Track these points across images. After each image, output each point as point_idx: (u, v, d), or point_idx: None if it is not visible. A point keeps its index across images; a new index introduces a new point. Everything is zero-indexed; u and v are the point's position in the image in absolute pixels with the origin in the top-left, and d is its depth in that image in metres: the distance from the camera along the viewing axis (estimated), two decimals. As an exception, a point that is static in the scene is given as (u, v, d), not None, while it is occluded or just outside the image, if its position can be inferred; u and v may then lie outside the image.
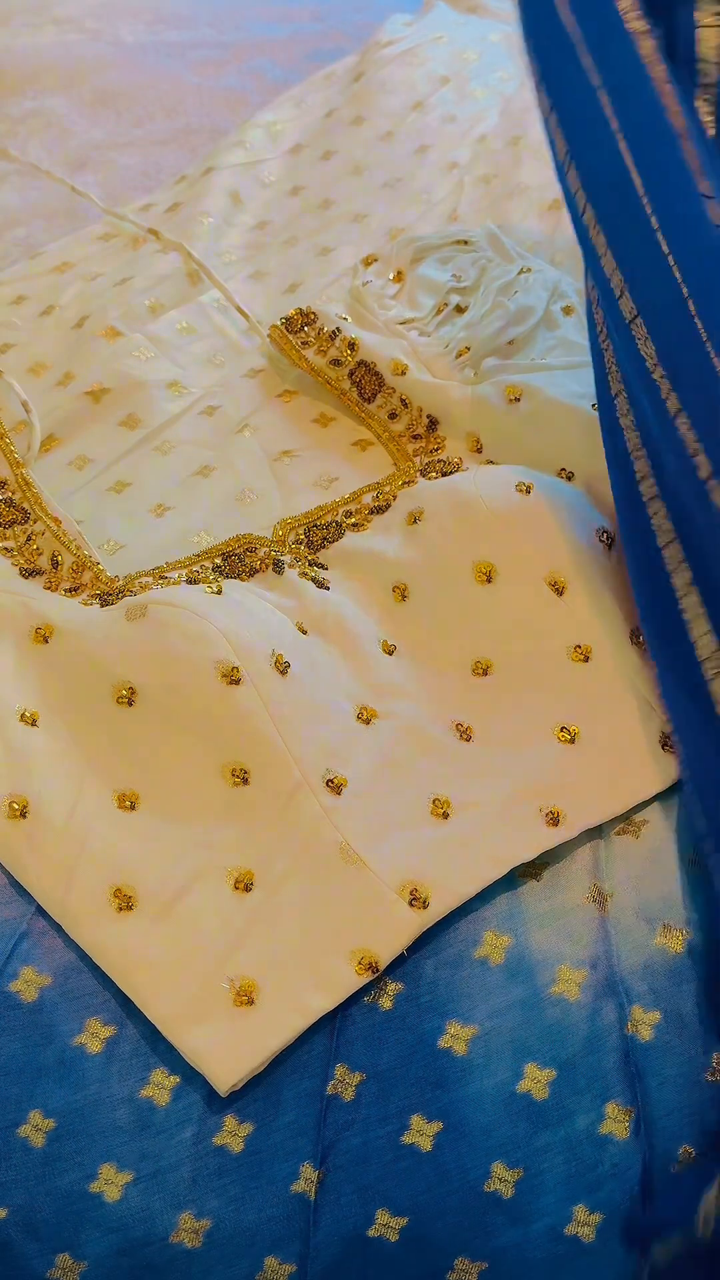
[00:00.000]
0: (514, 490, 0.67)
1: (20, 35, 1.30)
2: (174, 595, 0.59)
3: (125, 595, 0.64)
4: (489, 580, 0.63)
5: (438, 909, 0.53)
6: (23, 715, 0.59)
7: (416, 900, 0.52)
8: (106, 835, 0.55)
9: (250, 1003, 0.50)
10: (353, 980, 0.51)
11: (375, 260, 0.90)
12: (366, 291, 0.86)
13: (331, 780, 0.56)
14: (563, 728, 0.60)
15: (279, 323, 0.82)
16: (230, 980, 0.51)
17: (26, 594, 0.64)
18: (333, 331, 0.80)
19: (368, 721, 0.60)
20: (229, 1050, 0.49)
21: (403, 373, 0.78)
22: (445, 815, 0.56)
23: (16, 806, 0.56)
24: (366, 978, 0.51)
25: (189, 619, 0.57)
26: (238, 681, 0.56)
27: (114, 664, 0.58)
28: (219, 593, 0.61)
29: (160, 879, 0.54)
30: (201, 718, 0.56)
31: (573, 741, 0.59)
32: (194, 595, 0.60)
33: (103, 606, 0.63)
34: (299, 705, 0.57)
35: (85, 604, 0.64)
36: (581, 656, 0.62)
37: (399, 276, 0.87)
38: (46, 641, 0.61)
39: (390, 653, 0.64)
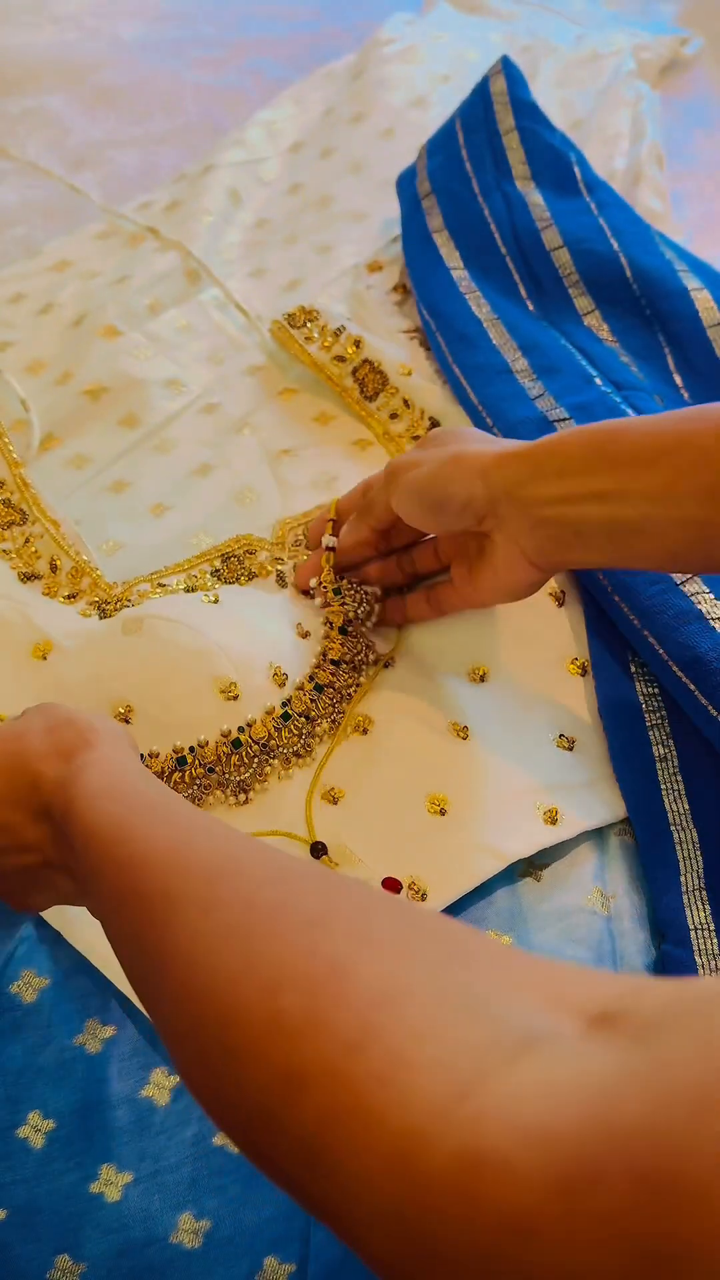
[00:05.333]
0: None
1: (18, 33, 1.29)
2: (171, 608, 0.59)
3: (124, 604, 0.64)
4: (490, 585, 0.63)
5: (436, 903, 0.53)
6: (21, 726, 0.59)
7: (414, 894, 0.52)
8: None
9: (250, 1003, 0.50)
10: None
11: (380, 268, 0.89)
12: (370, 296, 0.85)
13: (329, 790, 0.56)
14: (560, 735, 0.60)
15: (281, 318, 0.81)
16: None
17: (26, 603, 0.64)
18: (338, 329, 0.80)
19: (364, 731, 0.60)
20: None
21: (409, 374, 0.78)
22: (442, 812, 0.56)
23: (16, 807, 0.56)
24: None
25: (186, 634, 0.57)
26: (236, 698, 0.56)
27: (111, 681, 0.58)
28: (216, 601, 0.61)
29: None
30: (198, 734, 0.56)
31: (570, 749, 0.59)
32: (191, 607, 0.59)
33: (101, 617, 0.63)
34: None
35: (84, 613, 0.64)
36: (580, 669, 0.62)
37: (401, 289, 0.87)
38: (45, 659, 0.61)
39: (390, 652, 0.64)
